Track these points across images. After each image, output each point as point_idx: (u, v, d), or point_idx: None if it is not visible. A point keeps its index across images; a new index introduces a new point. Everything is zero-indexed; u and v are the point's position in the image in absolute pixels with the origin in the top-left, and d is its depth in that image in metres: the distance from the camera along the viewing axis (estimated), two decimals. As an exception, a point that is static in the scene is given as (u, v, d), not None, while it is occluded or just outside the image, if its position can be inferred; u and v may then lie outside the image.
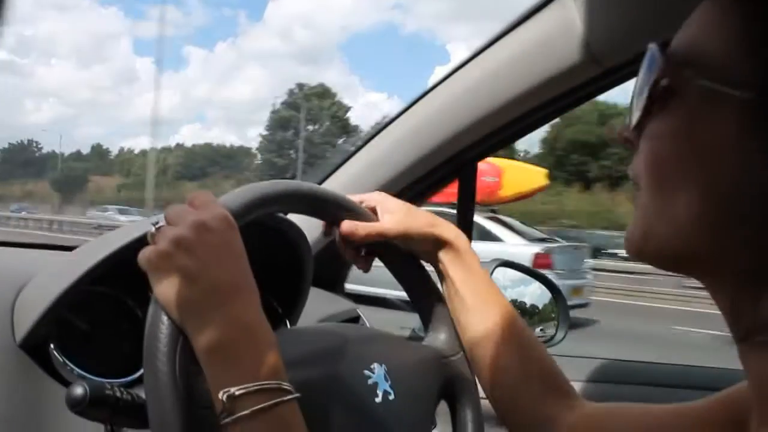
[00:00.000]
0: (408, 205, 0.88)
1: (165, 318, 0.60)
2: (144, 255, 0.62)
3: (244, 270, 0.63)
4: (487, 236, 9.42)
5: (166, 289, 0.60)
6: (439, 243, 0.87)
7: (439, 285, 0.90)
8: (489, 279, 0.88)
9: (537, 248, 9.43)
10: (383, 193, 0.90)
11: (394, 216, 0.86)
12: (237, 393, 0.57)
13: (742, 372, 0.55)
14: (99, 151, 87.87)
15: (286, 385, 0.60)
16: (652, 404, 0.72)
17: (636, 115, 0.56)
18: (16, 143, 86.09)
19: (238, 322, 0.60)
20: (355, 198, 0.86)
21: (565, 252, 10.09)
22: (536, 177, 12.34)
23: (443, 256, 0.87)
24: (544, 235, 11.12)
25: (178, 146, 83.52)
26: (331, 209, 0.83)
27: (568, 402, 0.81)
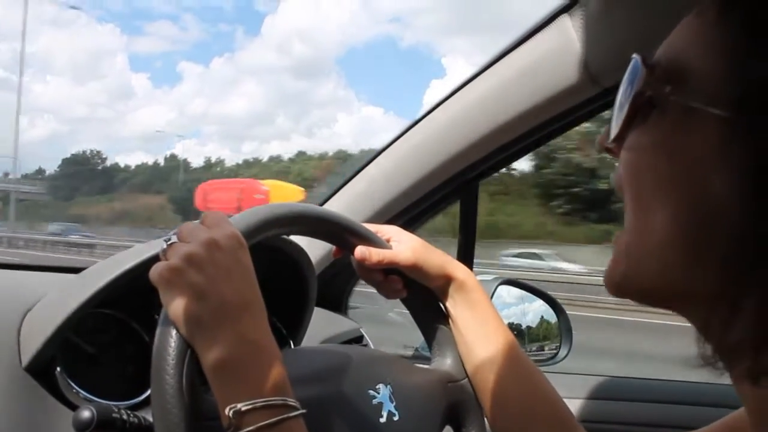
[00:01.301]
0: (422, 240, 0.88)
1: (174, 332, 0.61)
2: (156, 270, 0.63)
3: (253, 288, 0.65)
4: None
5: (176, 304, 0.61)
6: (450, 280, 0.87)
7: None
8: (497, 317, 0.88)
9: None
10: (398, 227, 0.90)
11: (408, 246, 0.86)
12: (243, 409, 0.58)
13: (724, 387, 0.54)
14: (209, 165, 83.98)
15: (292, 402, 0.61)
16: None
17: (616, 126, 0.55)
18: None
19: (246, 339, 0.61)
20: (371, 227, 0.87)
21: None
22: (295, 193, 15.54)
23: (453, 293, 0.87)
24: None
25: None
26: (345, 235, 0.84)
27: None
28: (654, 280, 0.52)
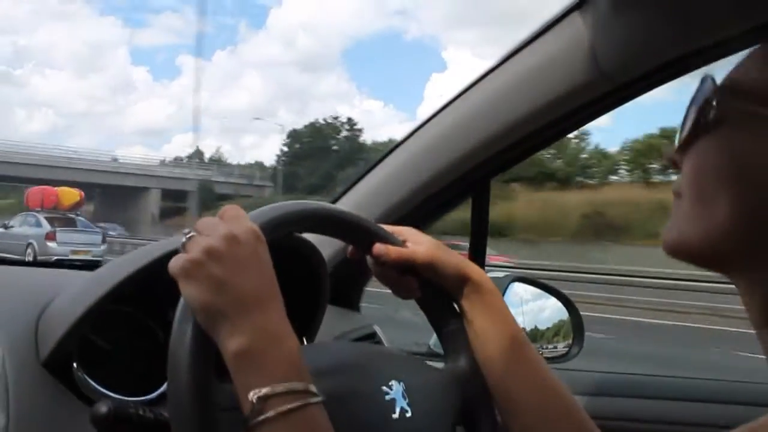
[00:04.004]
0: (438, 241, 0.88)
1: (192, 323, 0.62)
2: (176, 263, 0.65)
3: (271, 281, 0.66)
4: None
5: (195, 295, 0.63)
6: (466, 280, 0.87)
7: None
8: (512, 319, 0.88)
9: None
10: (414, 229, 0.91)
11: (424, 246, 0.86)
12: (267, 393, 0.60)
13: (751, 384, 0.58)
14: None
15: (313, 388, 0.62)
16: None
17: (683, 136, 0.63)
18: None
19: (265, 329, 0.63)
20: (387, 228, 0.88)
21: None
22: (73, 195, 19.66)
23: (468, 293, 0.87)
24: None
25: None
26: (361, 235, 0.84)
27: None
28: (711, 249, 0.60)
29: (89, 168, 47.87)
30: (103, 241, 18.75)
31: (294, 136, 63.13)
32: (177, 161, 66.56)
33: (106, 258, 15.80)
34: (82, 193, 20.72)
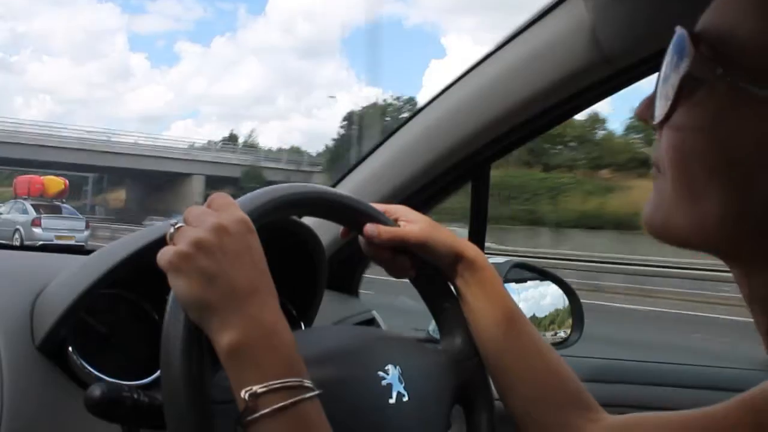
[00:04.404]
0: (430, 219, 0.87)
1: (183, 317, 0.61)
2: (164, 256, 0.63)
3: (263, 272, 0.64)
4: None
5: (185, 289, 0.61)
6: (460, 258, 0.85)
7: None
8: (508, 296, 0.87)
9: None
10: (406, 207, 0.89)
11: (417, 225, 0.85)
12: (260, 391, 0.58)
13: (752, 371, 0.56)
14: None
15: (307, 383, 0.61)
16: (674, 411, 0.71)
17: (662, 105, 0.54)
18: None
19: (257, 323, 0.61)
20: (379, 207, 0.86)
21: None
22: (57, 184, 20.80)
23: (462, 271, 0.86)
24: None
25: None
26: (352, 215, 0.83)
27: (590, 415, 0.81)
28: (700, 242, 0.55)
29: (127, 152, 44.71)
30: (87, 227, 19.75)
31: (349, 118, 61.54)
32: (210, 145, 61.32)
33: (90, 243, 17.39)
34: (67, 181, 21.91)
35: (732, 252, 0.55)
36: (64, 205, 20.35)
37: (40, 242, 17.05)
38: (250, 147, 63.30)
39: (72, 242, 17.81)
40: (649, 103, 0.57)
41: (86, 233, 19.18)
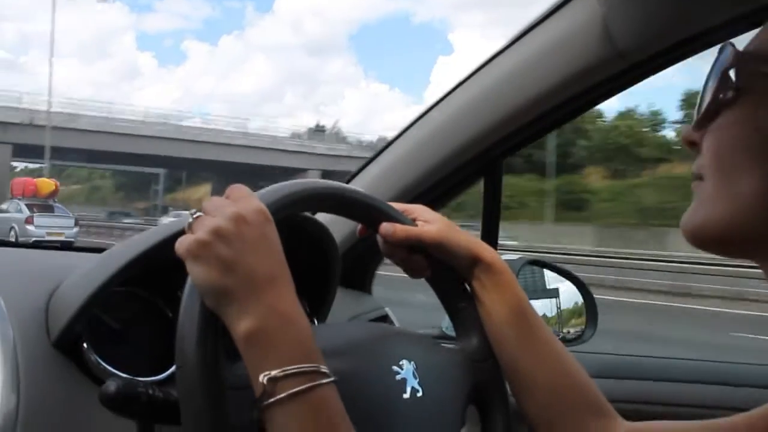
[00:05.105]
0: (448, 220, 0.87)
1: (200, 304, 0.62)
2: (182, 243, 0.64)
3: (280, 261, 0.65)
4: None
5: (203, 276, 0.62)
6: (477, 261, 0.85)
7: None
8: (525, 299, 0.86)
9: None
10: (424, 206, 0.89)
11: (434, 225, 0.85)
12: (278, 375, 0.59)
13: (757, 367, 0.57)
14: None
15: (324, 369, 0.62)
16: (696, 421, 0.71)
17: (702, 111, 0.60)
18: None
19: (275, 310, 0.62)
20: (397, 206, 0.86)
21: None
22: (49, 185, 21.72)
23: (479, 274, 0.85)
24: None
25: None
26: (370, 213, 0.83)
27: (607, 422, 0.81)
28: (735, 229, 0.58)
29: (225, 142, 40.70)
30: (76, 224, 21.44)
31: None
32: (294, 137, 53.97)
33: (80, 239, 20.47)
34: (57, 183, 23.30)
35: (765, 238, 0.57)
36: (56, 204, 21.89)
37: (33, 238, 18.56)
38: (340, 137, 57.61)
39: (62, 238, 19.43)
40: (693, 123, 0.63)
41: (75, 230, 20.97)
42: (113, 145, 38.24)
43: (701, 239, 0.60)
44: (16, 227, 20.08)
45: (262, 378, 0.59)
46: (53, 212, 21.22)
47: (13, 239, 18.88)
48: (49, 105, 35.91)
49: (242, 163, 41.00)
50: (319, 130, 58.28)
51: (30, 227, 19.78)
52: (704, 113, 0.60)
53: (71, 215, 22.37)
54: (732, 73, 0.58)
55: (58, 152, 36.48)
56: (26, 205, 20.74)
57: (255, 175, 38.81)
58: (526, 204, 32.09)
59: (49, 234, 19.58)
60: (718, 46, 0.61)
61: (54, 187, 22.18)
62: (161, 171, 52.92)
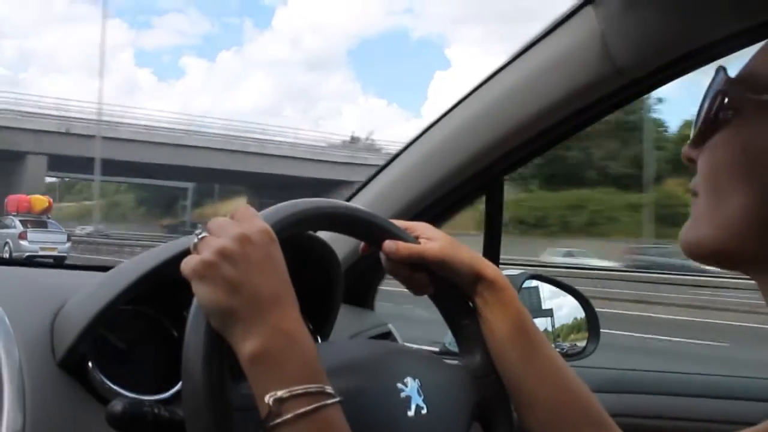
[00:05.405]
0: (451, 237, 0.87)
1: (205, 325, 0.62)
2: (188, 264, 0.64)
3: (285, 281, 0.66)
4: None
5: (209, 296, 0.62)
6: (479, 278, 0.86)
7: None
8: (528, 316, 0.87)
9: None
10: (427, 224, 0.90)
11: (437, 243, 0.85)
12: (284, 396, 0.59)
13: (761, 381, 0.58)
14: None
15: (329, 389, 0.62)
16: None
17: (697, 131, 0.63)
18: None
19: (281, 330, 0.62)
20: (400, 224, 0.87)
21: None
22: (42, 202, 21.70)
23: (482, 291, 0.86)
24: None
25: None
26: (373, 231, 0.84)
27: None
28: (727, 246, 0.60)
29: (281, 154, 38.27)
30: (68, 240, 21.79)
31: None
32: (331, 148, 49.51)
33: (71, 254, 20.95)
34: (51, 200, 23.59)
35: (756, 254, 0.59)
36: (50, 220, 22.11)
37: (27, 253, 19.19)
38: (374, 149, 54.02)
39: (55, 253, 19.89)
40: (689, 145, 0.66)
41: (68, 245, 21.34)
42: (153, 156, 36.11)
43: (697, 254, 0.63)
44: (10, 242, 20.38)
45: (268, 399, 0.60)
46: (47, 228, 21.61)
47: (7, 254, 19.56)
48: (100, 113, 34.54)
49: (285, 175, 38.95)
50: (353, 141, 57.54)
51: (24, 242, 20.09)
52: (698, 133, 0.63)
53: (63, 230, 22.87)
54: (724, 96, 0.60)
55: (92, 164, 34.15)
56: (20, 221, 21.02)
57: (290, 188, 35.02)
58: (616, 219, 31.24)
59: (42, 249, 19.94)
60: (717, 63, 0.64)
61: (47, 204, 22.52)
62: (190, 185, 50.85)
